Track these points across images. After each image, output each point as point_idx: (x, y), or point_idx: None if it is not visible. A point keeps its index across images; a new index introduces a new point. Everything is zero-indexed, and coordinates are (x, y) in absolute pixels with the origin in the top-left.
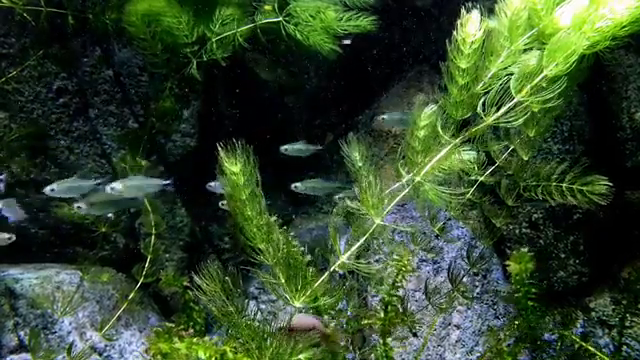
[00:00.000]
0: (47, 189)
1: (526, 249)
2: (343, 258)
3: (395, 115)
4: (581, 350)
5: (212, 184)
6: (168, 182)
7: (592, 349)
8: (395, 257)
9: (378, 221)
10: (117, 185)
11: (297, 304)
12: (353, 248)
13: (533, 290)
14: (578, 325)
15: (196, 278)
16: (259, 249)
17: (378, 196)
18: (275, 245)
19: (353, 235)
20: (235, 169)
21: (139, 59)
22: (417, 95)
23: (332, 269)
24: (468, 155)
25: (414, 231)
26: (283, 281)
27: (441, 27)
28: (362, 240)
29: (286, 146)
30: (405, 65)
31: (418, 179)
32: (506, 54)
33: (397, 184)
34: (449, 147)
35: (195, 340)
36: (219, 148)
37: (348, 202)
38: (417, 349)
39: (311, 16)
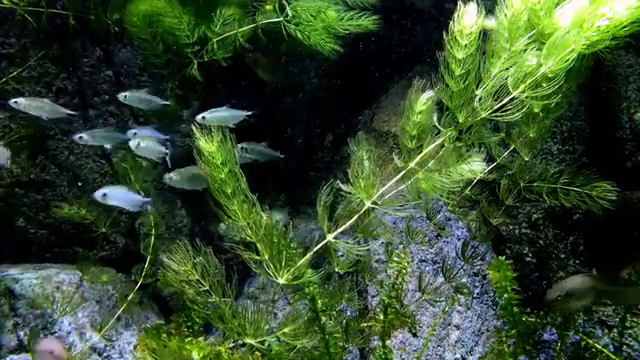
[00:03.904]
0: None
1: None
2: (330, 237)
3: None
4: (583, 350)
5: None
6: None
7: (598, 346)
8: (395, 259)
9: (368, 204)
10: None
11: (281, 280)
12: (340, 228)
13: (517, 297)
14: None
15: (165, 258)
16: (242, 228)
17: (369, 177)
18: (258, 221)
19: (341, 214)
20: (212, 148)
21: (139, 59)
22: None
23: (318, 247)
24: (479, 166)
25: (408, 217)
26: (267, 257)
27: (441, 27)
28: (352, 220)
29: (125, 93)
30: (405, 65)
31: (412, 165)
32: (507, 55)
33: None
34: (444, 137)
35: (189, 339)
36: (193, 128)
37: (340, 185)
38: (417, 349)
39: (312, 16)
